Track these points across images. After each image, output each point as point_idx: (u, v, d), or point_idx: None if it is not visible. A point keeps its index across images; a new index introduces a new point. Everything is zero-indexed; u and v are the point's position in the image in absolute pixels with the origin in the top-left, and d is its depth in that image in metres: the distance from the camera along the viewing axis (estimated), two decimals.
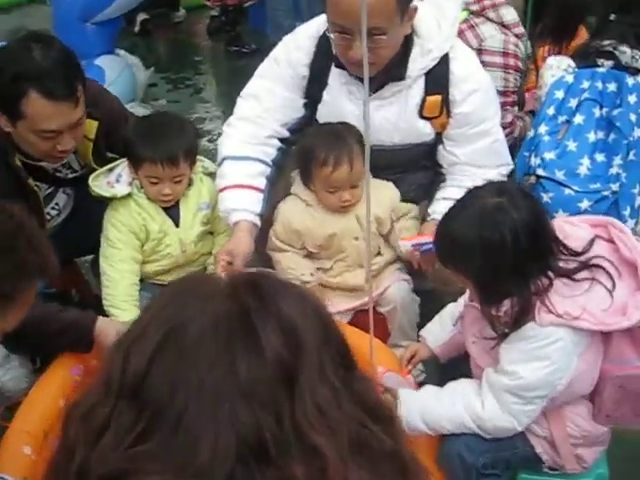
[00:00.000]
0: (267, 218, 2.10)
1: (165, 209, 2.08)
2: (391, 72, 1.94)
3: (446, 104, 2.00)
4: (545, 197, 2.10)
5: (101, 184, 2.04)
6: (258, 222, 2.01)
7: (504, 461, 1.59)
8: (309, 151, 2.00)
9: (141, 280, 2.14)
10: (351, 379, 0.73)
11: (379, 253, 2.11)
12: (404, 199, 2.14)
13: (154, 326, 0.70)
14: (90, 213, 2.14)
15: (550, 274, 1.44)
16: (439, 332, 1.80)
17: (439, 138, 2.08)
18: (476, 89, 1.99)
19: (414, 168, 2.17)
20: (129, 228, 2.04)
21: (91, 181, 2.04)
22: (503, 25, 2.61)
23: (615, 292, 1.44)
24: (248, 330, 0.69)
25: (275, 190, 2.13)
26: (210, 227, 2.18)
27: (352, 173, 1.95)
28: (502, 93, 2.64)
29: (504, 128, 2.68)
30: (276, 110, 2.08)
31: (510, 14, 2.59)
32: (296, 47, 2.04)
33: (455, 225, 1.48)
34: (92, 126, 2.04)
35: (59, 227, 2.27)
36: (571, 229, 1.54)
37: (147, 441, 0.64)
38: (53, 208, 2.19)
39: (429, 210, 2.06)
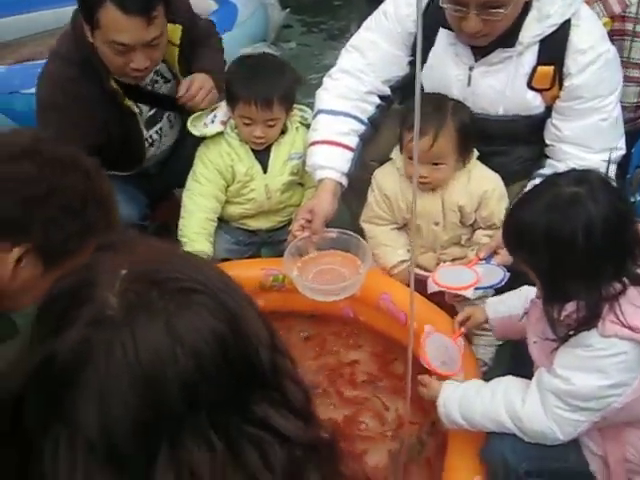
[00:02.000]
0: (360, 177, 2.06)
1: (255, 153, 2.08)
2: (501, 37, 1.80)
3: (559, 76, 1.83)
4: None
5: (198, 125, 2.08)
6: (344, 182, 1.96)
7: (552, 472, 1.47)
8: (404, 114, 1.92)
9: (226, 222, 2.18)
10: (250, 418, 0.64)
11: (459, 243, 2.01)
12: (508, 171, 2.00)
13: (33, 351, 0.64)
14: (192, 146, 2.17)
15: (625, 280, 1.30)
16: (502, 306, 1.69)
17: (550, 112, 1.92)
18: (594, 62, 1.80)
19: (522, 142, 2.02)
20: (215, 166, 2.07)
21: (190, 121, 2.08)
22: None
23: None
24: (102, 376, 0.60)
25: (369, 150, 2.07)
26: (300, 179, 2.17)
27: (432, 149, 1.84)
28: None
29: (638, 108, 2.43)
30: (379, 65, 2.00)
31: None
32: (406, 2, 1.94)
33: (524, 213, 1.36)
34: (176, 31, 2.07)
35: (163, 156, 2.34)
36: None
37: None
38: (157, 132, 2.23)
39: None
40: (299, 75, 2.11)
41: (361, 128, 2.01)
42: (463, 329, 1.72)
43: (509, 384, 1.47)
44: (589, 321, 1.30)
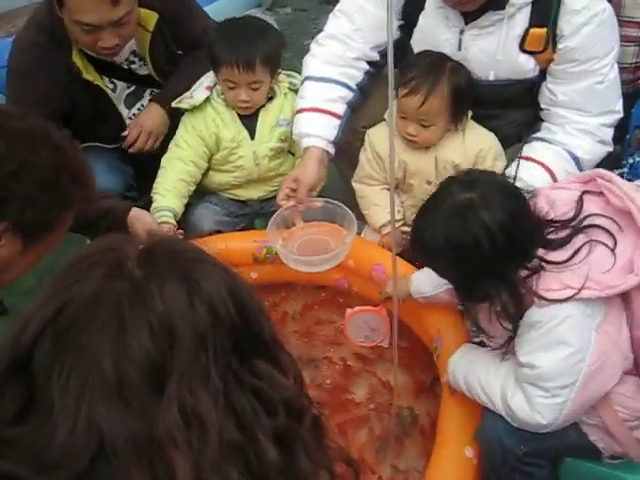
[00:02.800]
0: (352, 144, 2.02)
1: (242, 120, 2.05)
2: None
3: (552, 38, 1.77)
4: None
5: (184, 98, 2.05)
6: (331, 150, 1.92)
7: (552, 450, 1.45)
8: (400, 70, 1.88)
9: (216, 194, 2.15)
10: (249, 369, 0.67)
11: None
12: (502, 135, 1.97)
13: (53, 298, 0.67)
14: (180, 119, 2.13)
15: (533, 263, 1.31)
16: (424, 284, 1.69)
17: (544, 75, 1.87)
18: (588, 22, 1.74)
19: (516, 106, 1.98)
20: (198, 132, 2.05)
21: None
22: None
23: (618, 248, 1.29)
24: (119, 318, 0.64)
25: (360, 116, 2.02)
26: (289, 147, 2.14)
27: (422, 108, 1.83)
28: None
29: (637, 68, 2.36)
30: (367, 30, 1.95)
31: None
32: None
33: (423, 226, 1.36)
34: (151, 17, 2.02)
35: None
36: (556, 194, 1.38)
37: (22, 423, 0.63)
38: (139, 109, 2.20)
39: (506, 172, 1.84)
40: (284, 38, 2.06)
41: (349, 95, 1.96)
42: (386, 303, 1.78)
43: (510, 371, 1.43)
44: (517, 308, 1.32)
